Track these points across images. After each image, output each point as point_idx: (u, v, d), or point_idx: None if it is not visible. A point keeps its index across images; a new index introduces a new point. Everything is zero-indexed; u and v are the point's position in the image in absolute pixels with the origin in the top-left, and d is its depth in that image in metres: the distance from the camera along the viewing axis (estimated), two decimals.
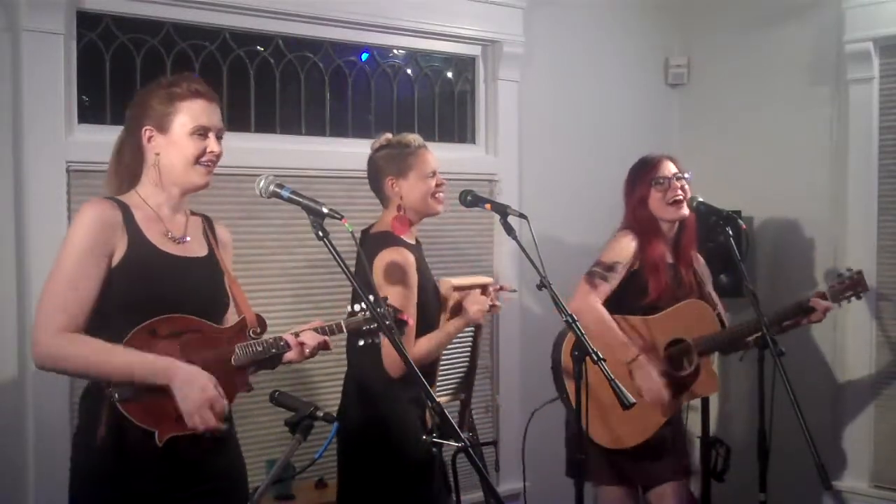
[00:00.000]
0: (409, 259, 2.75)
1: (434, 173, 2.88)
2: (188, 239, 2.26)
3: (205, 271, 2.26)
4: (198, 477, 2.17)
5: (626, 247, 3.17)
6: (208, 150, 2.21)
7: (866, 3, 3.90)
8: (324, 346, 2.30)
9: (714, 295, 3.37)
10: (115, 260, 2.13)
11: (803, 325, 3.29)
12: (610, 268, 3.15)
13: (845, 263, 3.93)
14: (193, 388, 2.05)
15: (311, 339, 2.27)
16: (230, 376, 2.18)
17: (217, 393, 2.08)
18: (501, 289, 3.02)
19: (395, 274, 2.69)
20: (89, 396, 2.17)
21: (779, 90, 4.28)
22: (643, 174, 3.24)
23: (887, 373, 3.96)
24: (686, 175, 3.23)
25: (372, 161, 2.92)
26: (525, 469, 3.16)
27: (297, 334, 2.27)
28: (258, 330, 2.26)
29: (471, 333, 3.03)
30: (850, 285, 3.26)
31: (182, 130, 2.19)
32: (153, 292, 2.13)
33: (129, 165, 2.26)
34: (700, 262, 3.38)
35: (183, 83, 2.20)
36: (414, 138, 2.91)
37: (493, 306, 2.96)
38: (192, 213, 2.34)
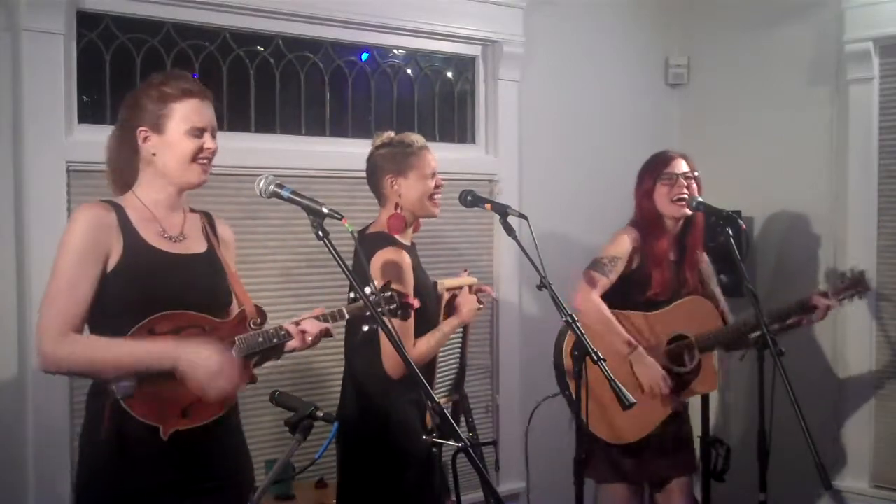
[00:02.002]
0: (406, 259, 2.75)
1: (434, 174, 2.88)
2: (185, 237, 2.27)
3: (203, 268, 2.26)
4: (204, 470, 2.18)
5: (625, 242, 3.22)
6: (204, 147, 2.22)
7: (866, 3, 3.90)
8: (326, 334, 2.30)
9: (718, 293, 3.39)
10: (112, 261, 2.14)
11: (805, 326, 3.31)
12: (608, 262, 3.20)
13: (846, 263, 3.93)
14: (200, 362, 2.08)
15: (312, 326, 2.27)
16: None
17: (224, 358, 2.10)
18: (480, 290, 3.01)
19: (392, 273, 2.68)
20: (93, 395, 2.18)
21: (779, 90, 4.28)
22: (653, 168, 3.28)
23: (887, 373, 3.96)
24: (695, 174, 3.25)
25: (372, 158, 2.91)
26: (528, 465, 3.15)
27: (297, 323, 2.27)
28: (258, 321, 2.26)
29: (460, 334, 3.03)
30: (851, 284, 3.29)
31: (177, 131, 2.20)
32: (151, 291, 2.14)
33: (125, 165, 2.26)
34: (704, 260, 3.40)
35: (173, 82, 2.21)
36: (416, 138, 2.91)
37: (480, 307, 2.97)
38: (192, 210, 2.35)
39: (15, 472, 2.99)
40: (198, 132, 2.21)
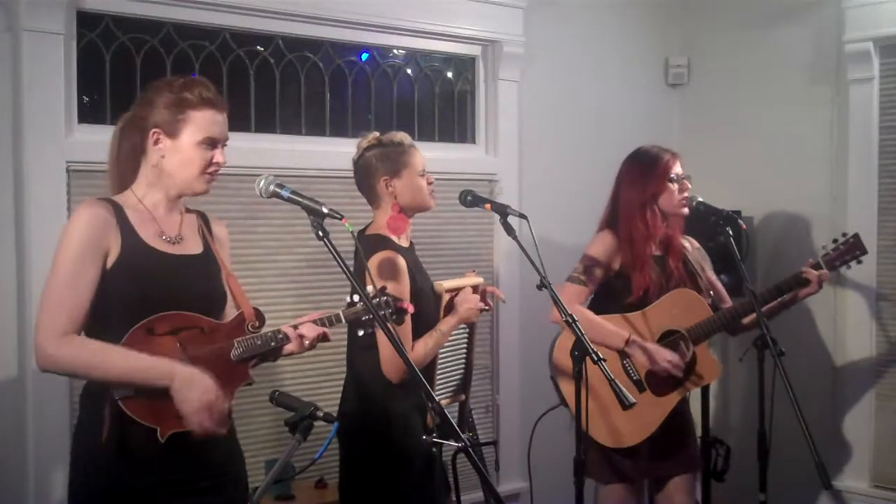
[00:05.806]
0: (401, 263, 2.72)
1: (424, 171, 2.87)
2: (183, 238, 2.27)
3: (200, 268, 2.27)
4: (200, 471, 2.19)
5: (603, 247, 3.18)
6: (214, 160, 2.23)
7: (866, 3, 3.90)
8: (323, 338, 2.32)
9: (715, 281, 3.35)
10: (110, 260, 2.14)
11: (801, 299, 3.22)
12: (587, 270, 3.16)
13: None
14: (192, 392, 2.07)
15: (309, 330, 2.28)
16: (230, 370, 2.20)
17: (216, 396, 2.09)
18: (485, 291, 2.98)
19: (387, 277, 2.68)
20: (89, 395, 2.18)
21: (779, 90, 4.28)
22: (659, 170, 3.17)
23: (887, 373, 3.96)
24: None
25: (363, 160, 2.87)
26: (531, 472, 3.15)
27: (295, 326, 2.29)
28: (256, 324, 2.27)
29: (465, 334, 3.02)
30: (847, 250, 3.19)
31: (191, 140, 2.19)
32: (148, 291, 2.14)
33: (127, 162, 2.26)
34: (692, 247, 3.36)
35: (195, 90, 2.20)
36: (403, 136, 2.89)
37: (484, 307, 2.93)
38: (188, 211, 2.35)
39: (15, 472, 3.00)
40: (210, 143, 2.21)
